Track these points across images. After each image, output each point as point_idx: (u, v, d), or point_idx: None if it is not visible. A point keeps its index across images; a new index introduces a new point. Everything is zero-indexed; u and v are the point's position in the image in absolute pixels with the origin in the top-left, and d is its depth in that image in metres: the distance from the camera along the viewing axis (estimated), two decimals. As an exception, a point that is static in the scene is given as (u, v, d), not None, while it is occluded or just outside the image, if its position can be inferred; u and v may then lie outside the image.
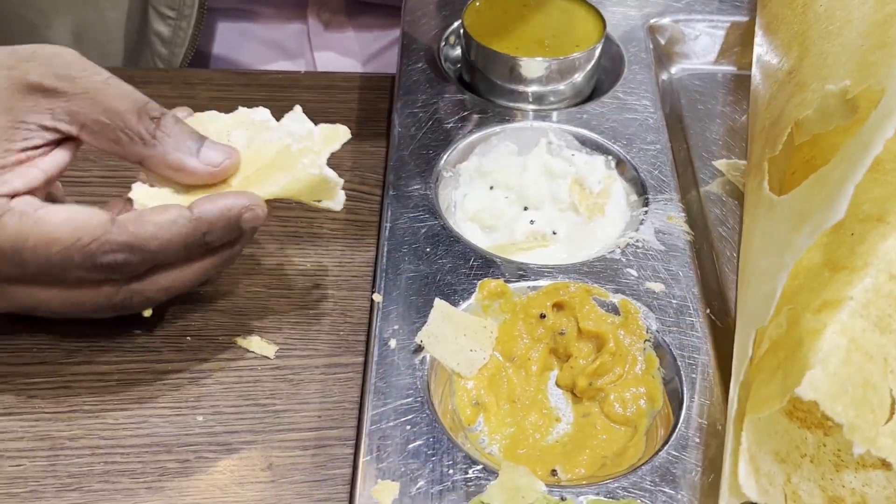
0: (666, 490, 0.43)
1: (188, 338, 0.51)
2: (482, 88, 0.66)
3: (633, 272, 0.53)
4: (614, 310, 0.51)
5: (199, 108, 0.50)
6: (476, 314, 0.51)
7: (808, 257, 0.43)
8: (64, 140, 0.45)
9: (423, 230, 0.55)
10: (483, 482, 0.43)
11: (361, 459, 0.44)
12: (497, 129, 0.62)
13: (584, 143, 0.62)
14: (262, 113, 0.49)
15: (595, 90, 0.68)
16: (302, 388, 0.49)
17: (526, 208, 0.59)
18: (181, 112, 0.48)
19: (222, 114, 0.49)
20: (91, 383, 0.48)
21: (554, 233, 0.57)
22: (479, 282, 0.52)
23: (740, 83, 0.71)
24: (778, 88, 0.55)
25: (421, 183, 0.58)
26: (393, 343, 0.49)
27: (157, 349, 0.50)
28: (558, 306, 0.51)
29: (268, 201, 0.46)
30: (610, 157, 0.61)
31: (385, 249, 0.54)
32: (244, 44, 0.83)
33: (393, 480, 0.43)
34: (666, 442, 0.45)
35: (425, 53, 0.69)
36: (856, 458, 0.41)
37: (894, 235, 0.41)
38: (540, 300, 0.51)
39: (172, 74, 0.73)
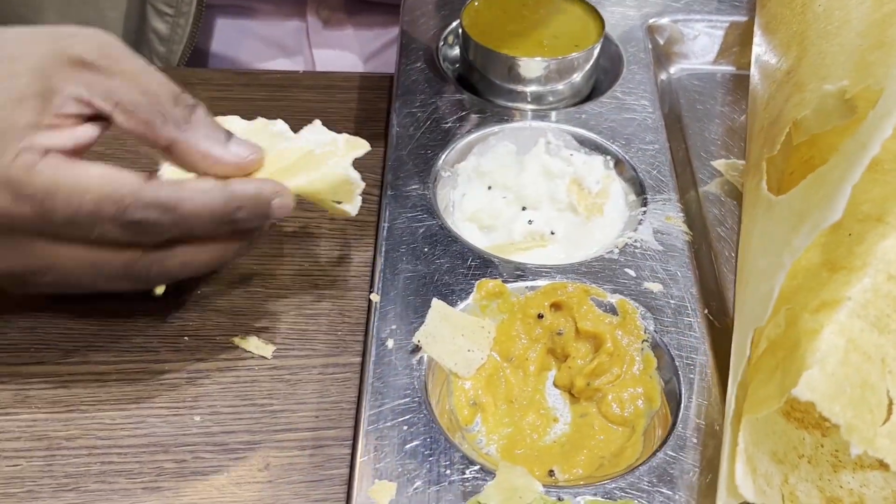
0: (663, 490, 0.43)
1: (186, 338, 0.51)
2: (481, 88, 0.66)
3: (632, 272, 0.53)
4: (612, 310, 0.51)
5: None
6: (474, 314, 0.51)
7: (806, 257, 0.43)
8: (95, 117, 0.45)
9: (421, 230, 0.55)
10: (480, 482, 0.43)
11: (358, 459, 0.44)
12: (495, 128, 0.62)
13: (583, 143, 0.62)
14: (281, 125, 0.49)
15: (594, 90, 0.68)
16: (299, 388, 0.49)
17: (524, 208, 0.59)
18: None
19: (243, 120, 0.49)
20: (88, 383, 0.48)
21: (552, 233, 0.57)
22: (477, 282, 0.52)
23: (739, 83, 0.71)
24: (776, 88, 0.55)
25: (419, 183, 0.58)
26: (390, 343, 0.49)
27: (155, 349, 0.50)
28: (556, 306, 0.51)
29: None
30: (608, 157, 0.61)
31: (383, 249, 0.54)
32: (243, 41, 0.83)
33: (390, 481, 0.43)
34: (664, 442, 0.45)
35: (424, 53, 0.69)
36: (853, 458, 0.41)
37: (893, 235, 0.41)
38: (538, 300, 0.51)
39: (171, 74, 0.72)
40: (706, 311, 0.52)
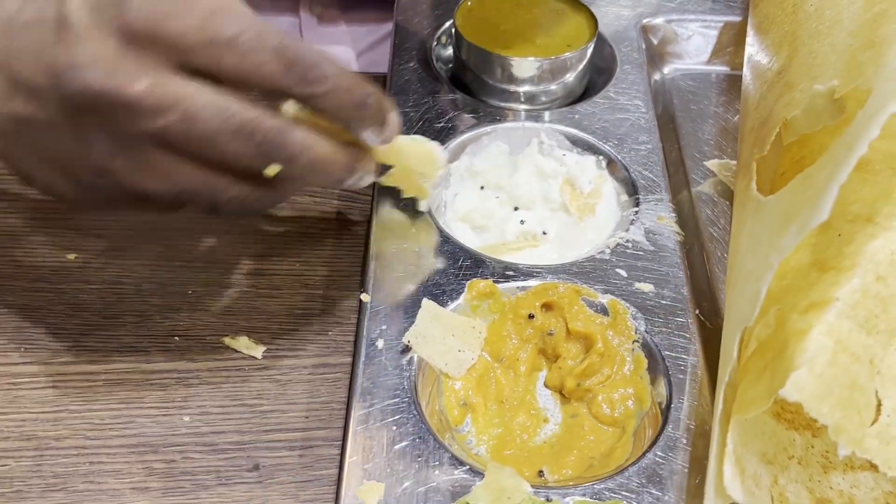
0: (652, 491, 0.43)
1: (176, 338, 0.51)
2: (474, 88, 0.66)
3: (623, 273, 0.53)
4: (603, 310, 0.51)
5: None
6: (465, 314, 0.51)
7: (795, 257, 0.43)
8: None
9: (413, 230, 0.55)
10: (469, 483, 0.43)
11: (347, 460, 0.43)
12: (488, 128, 0.62)
13: (576, 143, 0.62)
14: None
15: (587, 90, 0.68)
16: (289, 388, 0.49)
17: (517, 208, 0.58)
18: None
19: None
20: (78, 383, 0.48)
21: (544, 233, 0.57)
22: (468, 282, 0.51)
23: (733, 83, 0.71)
24: (767, 88, 0.55)
25: (411, 183, 0.58)
26: (380, 343, 0.49)
27: (145, 349, 0.50)
28: (547, 307, 0.51)
29: None
30: (601, 157, 0.61)
31: (374, 249, 0.54)
32: None
33: (378, 481, 0.43)
34: (653, 443, 0.45)
35: (417, 53, 0.68)
36: (843, 459, 0.41)
37: (882, 236, 0.41)
38: (529, 300, 0.51)
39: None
40: (697, 312, 0.52)
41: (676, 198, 0.60)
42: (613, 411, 0.48)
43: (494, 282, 0.51)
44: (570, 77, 0.65)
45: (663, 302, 0.52)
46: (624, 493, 0.43)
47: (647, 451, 0.45)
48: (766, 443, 0.42)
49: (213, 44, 0.38)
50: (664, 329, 0.50)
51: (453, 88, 0.66)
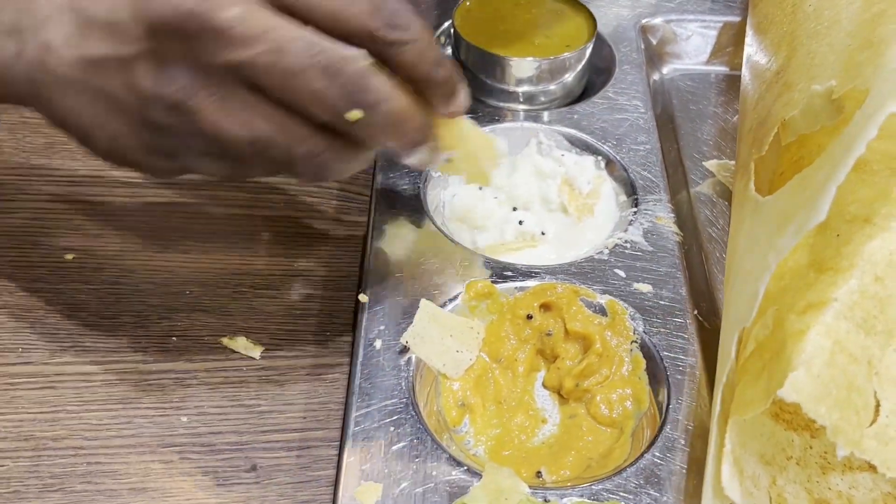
0: (650, 492, 0.43)
1: (173, 338, 0.51)
2: (472, 88, 0.64)
3: (622, 273, 0.53)
4: (602, 311, 0.51)
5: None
6: (463, 315, 0.51)
7: (793, 258, 0.42)
8: None
9: (411, 230, 0.55)
10: (467, 484, 0.43)
11: (345, 461, 0.43)
12: (487, 129, 0.62)
13: (575, 143, 0.62)
14: None
15: (586, 90, 0.68)
16: (287, 388, 0.49)
17: (515, 209, 0.58)
18: None
19: None
20: (75, 384, 0.48)
21: (543, 233, 0.57)
22: (467, 282, 0.51)
23: (732, 84, 0.71)
24: (766, 88, 0.54)
25: (409, 183, 0.58)
26: (378, 344, 0.48)
27: (143, 349, 0.50)
28: (545, 307, 0.51)
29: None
30: (600, 158, 0.61)
31: (372, 250, 0.54)
32: None
33: (376, 482, 0.42)
34: (651, 444, 0.45)
35: (416, 53, 0.68)
36: (842, 460, 0.41)
37: (880, 236, 0.41)
38: (527, 301, 0.51)
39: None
40: (696, 313, 0.52)
41: (675, 198, 0.60)
42: (612, 412, 0.48)
43: (493, 282, 0.51)
44: (568, 77, 0.65)
45: (662, 302, 0.52)
46: (622, 493, 0.43)
47: (645, 452, 0.45)
48: (764, 443, 0.42)
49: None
50: (662, 329, 0.50)
51: (452, 88, 0.65)
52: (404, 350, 0.48)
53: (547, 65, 0.64)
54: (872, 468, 0.38)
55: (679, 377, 0.48)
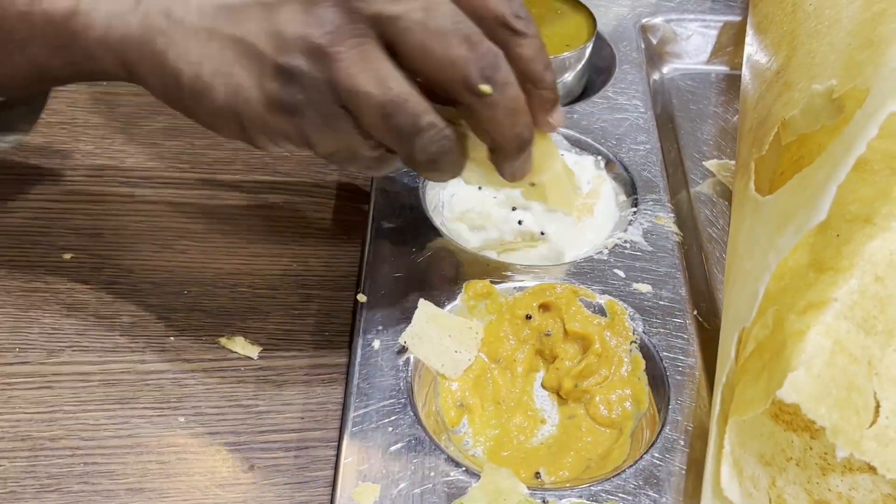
0: (650, 493, 0.43)
1: (171, 338, 0.51)
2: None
3: (621, 273, 0.53)
4: (601, 311, 0.51)
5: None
6: (462, 315, 0.51)
7: (793, 258, 0.42)
8: None
9: (410, 230, 0.55)
10: (465, 484, 0.42)
11: (342, 461, 0.43)
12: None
13: (574, 143, 0.62)
14: None
15: (586, 90, 0.68)
16: (285, 389, 0.49)
17: (514, 208, 0.58)
18: None
19: None
20: (73, 384, 0.48)
21: (542, 233, 0.57)
22: (466, 282, 0.51)
23: (733, 83, 0.70)
24: (766, 88, 0.54)
25: (409, 182, 0.58)
26: (377, 344, 0.48)
27: (140, 349, 0.50)
28: (544, 307, 0.51)
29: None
30: (599, 158, 0.61)
31: (371, 249, 0.53)
32: None
33: (374, 482, 0.42)
34: (651, 445, 0.45)
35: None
36: (841, 461, 0.41)
37: (881, 236, 0.41)
38: (526, 301, 0.51)
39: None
40: (696, 313, 0.52)
41: (675, 198, 0.60)
42: (611, 412, 0.48)
43: (492, 282, 0.51)
44: (568, 77, 0.65)
45: (661, 303, 0.51)
46: (621, 494, 0.43)
47: (644, 453, 0.44)
48: (764, 444, 0.42)
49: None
50: (662, 330, 0.50)
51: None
52: (403, 350, 0.48)
53: (546, 64, 0.63)
54: (872, 469, 0.38)
55: (678, 378, 0.48)
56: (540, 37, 0.41)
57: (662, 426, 0.46)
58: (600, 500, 0.42)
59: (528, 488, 0.42)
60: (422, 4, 0.38)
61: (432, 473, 0.43)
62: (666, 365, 0.48)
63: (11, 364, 0.49)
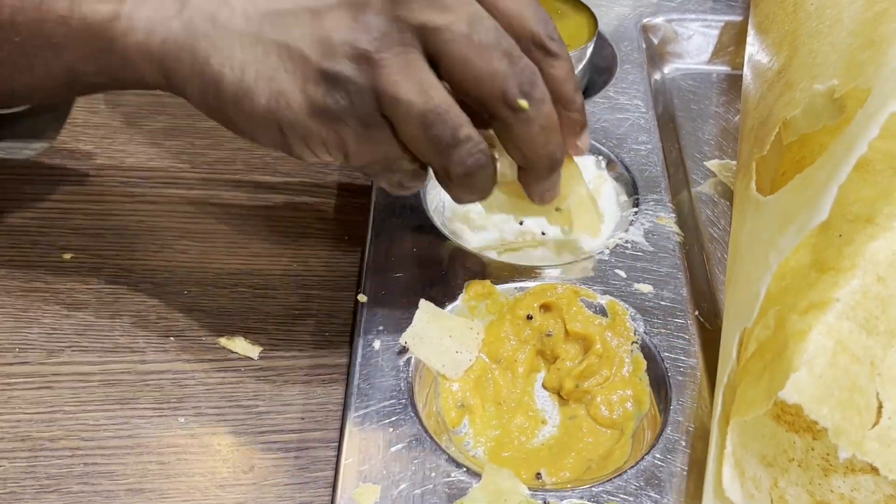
0: (651, 494, 0.42)
1: (171, 338, 0.51)
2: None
3: (622, 273, 0.53)
4: (602, 311, 0.51)
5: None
6: (462, 315, 0.50)
7: (795, 258, 0.42)
8: None
9: (411, 230, 0.54)
10: (466, 485, 0.42)
11: (343, 462, 0.43)
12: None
13: (575, 143, 0.62)
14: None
15: (587, 89, 0.68)
16: (286, 389, 0.49)
17: (515, 209, 0.58)
18: None
19: None
20: (73, 384, 0.48)
21: (543, 233, 0.57)
22: (466, 283, 0.51)
23: (734, 83, 0.70)
24: (767, 88, 0.54)
25: (409, 183, 0.57)
26: (377, 344, 0.48)
27: (140, 349, 0.50)
28: (545, 307, 0.51)
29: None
30: (600, 157, 0.61)
31: (371, 250, 0.53)
32: None
33: (374, 483, 0.42)
34: (652, 445, 0.45)
35: (416, 53, 0.68)
36: (843, 462, 0.41)
37: (883, 236, 0.41)
38: (527, 301, 0.51)
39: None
40: (697, 313, 0.52)
41: (676, 198, 0.60)
42: (612, 413, 0.48)
43: (492, 282, 0.51)
44: (569, 77, 0.65)
45: (662, 303, 0.51)
46: (622, 495, 0.42)
47: (645, 454, 0.44)
48: (765, 445, 0.41)
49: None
50: (663, 330, 0.50)
51: (452, 88, 0.65)
52: (403, 351, 0.48)
53: (547, 64, 0.63)
54: (874, 470, 0.38)
55: (680, 378, 0.48)
56: (570, 59, 0.43)
57: (664, 427, 0.46)
58: (601, 500, 0.42)
59: (529, 489, 0.42)
60: (466, 17, 0.39)
61: (433, 474, 0.43)
62: (667, 365, 0.48)
63: (11, 364, 0.49)
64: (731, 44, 0.73)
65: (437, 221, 0.56)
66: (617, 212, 0.59)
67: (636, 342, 0.49)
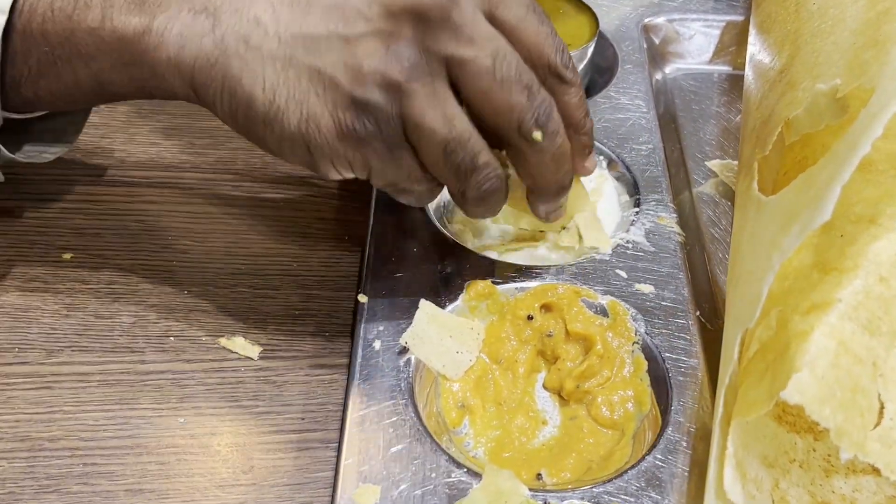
0: (652, 495, 0.42)
1: (171, 338, 0.50)
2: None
3: (623, 273, 0.53)
4: (603, 311, 0.51)
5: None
6: (463, 315, 0.50)
7: (797, 258, 0.42)
8: None
9: (411, 230, 0.54)
10: (466, 486, 0.42)
11: (343, 462, 0.43)
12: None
13: (576, 142, 0.61)
14: None
15: (588, 89, 0.68)
16: (286, 389, 0.49)
17: (516, 209, 0.58)
18: None
19: None
20: (72, 384, 0.48)
21: (542, 231, 0.57)
22: (467, 282, 0.51)
23: (735, 83, 0.70)
24: (769, 88, 0.54)
25: (409, 182, 0.57)
26: (377, 344, 0.48)
27: (140, 350, 0.50)
28: (546, 308, 0.51)
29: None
30: (601, 157, 0.61)
31: (372, 249, 0.53)
32: None
33: (374, 484, 0.42)
34: (653, 446, 0.45)
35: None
36: (845, 463, 0.41)
37: (886, 237, 0.41)
38: (528, 301, 0.51)
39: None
40: (698, 314, 0.51)
41: (677, 198, 0.59)
42: (613, 414, 0.47)
43: (493, 282, 0.51)
44: (570, 76, 0.65)
45: (664, 303, 0.51)
46: (623, 496, 0.42)
47: (646, 455, 0.44)
48: (767, 446, 0.41)
49: (518, 4, 0.42)
50: (664, 331, 0.50)
51: (453, 88, 0.65)
52: (403, 351, 0.48)
53: (548, 64, 0.63)
54: (876, 471, 0.38)
55: (681, 379, 0.47)
56: (582, 87, 0.45)
57: (665, 428, 0.45)
58: (602, 501, 0.42)
59: (530, 490, 0.42)
60: (491, 51, 0.41)
61: (433, 475, 0.43)
62: (668, 366, 0.48)
63: (10, 364, 0.48)
64: (733, 43, 0.73)
65: (438, 221, 0.55)
66: (618, 212, 0.58)
67: (637, 343, 0.49)
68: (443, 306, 0.50)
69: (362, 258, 0.54)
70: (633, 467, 0.44)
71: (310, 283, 0.54)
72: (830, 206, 0.37)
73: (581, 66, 0.65)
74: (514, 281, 0.52)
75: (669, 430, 0.45)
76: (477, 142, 0.42)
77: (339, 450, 0.44)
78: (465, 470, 0.43)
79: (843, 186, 0.37)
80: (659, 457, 0.44)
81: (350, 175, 0.43)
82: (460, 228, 0.57)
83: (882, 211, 0.41)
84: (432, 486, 0.42)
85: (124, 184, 0.59)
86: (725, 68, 0.73)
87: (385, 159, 0.42)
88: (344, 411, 0.46)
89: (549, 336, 0.50)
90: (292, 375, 0.49)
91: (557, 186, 0.47)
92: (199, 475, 0.45)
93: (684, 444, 0.45)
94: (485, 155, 0.43)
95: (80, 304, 0.52)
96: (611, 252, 0.54)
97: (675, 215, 0.57)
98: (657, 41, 0.73)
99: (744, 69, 0.64)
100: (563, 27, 0.66)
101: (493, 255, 0.54)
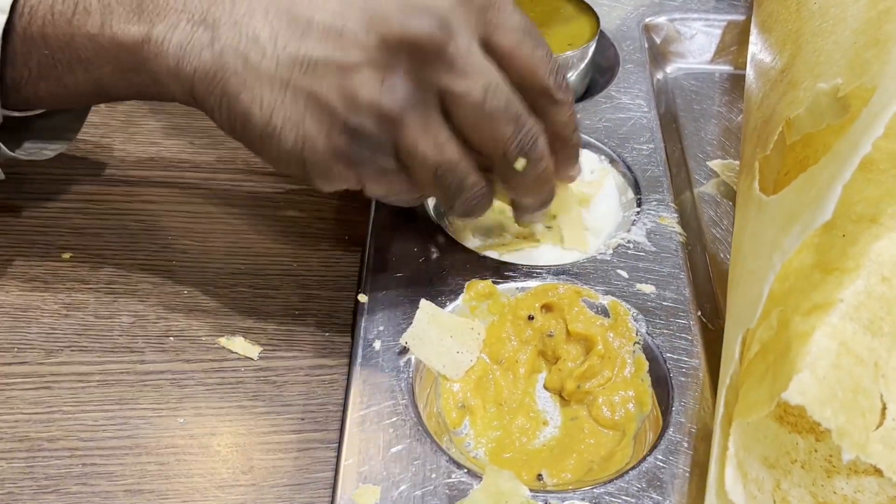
0: (653, 496, 0.42)
1: (171, 338, 0.50)
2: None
3: (624, 273, 0.52)
4: (604, 312, 0.50)
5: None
6: (463, 315, 0.50)
7: (798, 258, 0.42)
8: None
9: (411, 230, 0.54)
10: (467, 486, 0.42)
11: (343, 463, 0.43)
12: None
13: (577, 142, 0.61)
14: None
15: (589, 89, 0.67)
16: (285, 389, 0.49)
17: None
18: None
19: None
20: (71, 384, 0.48)
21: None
22: (467, 282, 0.51)
23: (736, 83, 0.70)
24: (770, 87, 0.54)
25: (410, 182, 0.57)
26: (378, 345, 0.48)
27: (140, 349, 0.50)
28: (547, 308, 0.51)
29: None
30: (602, 157, 0.61)
31: (372, 249, 0.53)
32: None
33: (374, 484, 0.42)
34: (654, 447, 0.44)
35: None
36: (847, 463, 0.41)
37: (887, 237, 0.41)
38: (528, 301, 0.50)
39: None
40: (699, 314, 0.51)
41: (679, 198, 0.59)
42: (614, 414, 0.47)
43: (494, 282, 0.51)
44: (571, 76, 0.65)
45: (665, 303, 0.51)
46: (624, 497, 0.42)
47: (647, 455, 0.44)
48: (768, 446, 0.41)
49: (514, 29, 0.43)
50: (665, 331, 0.50)
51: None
52: (404, 351, 0.48)
53: (549, 63, 0.63)
54: (878, 472, 0.38)
55: (682, 379, 0.47)
56: (573, 103, 0.47)
57: (665, 428, 0.45)
58: (603, 502, 0.42)
59: (530, 490, 0.42)
60: (483, 84, 0.42)
61: (433, 475, 0.42)
62: (669, 366, 0.48)
63: (10, 364, 0.48)
64: (734, 43, 0.73)
65: (438, 221, 0.55)
66: (619, 212, 0.58)
67: (638, 343, 0.49)
68: (443, 306, 0.50)
69: (362, 258, 0.54)
70: (634, 468, 0.43)
71: (310, 282, 0.54)
72: (831, 206, 0.37)
73: (582, 66, 0.65)
74: (515, 281, 0.52)
75: (670, 430, 0.45)
76: (465, 166, 0.44)
77: (339, 450, 0.44)
78: (466, 470, 0.43)
79: (844, 186, 0.37)
80: (660, 457, 0.44)
81: (344, 187, 0.44)
82: (461, 227, 0.57)
83: (883, 210, 0.41)
84: (432, 487, 0.42)
85: (124, 183, 0.59)
86: (727, 68, 0.73)
87: (377, 178, 0.44)
88: (344, 411, 0.46)
89: (550, 336, 0.50)
90: (292, 375, 0.49)
91: (539, 204, 0.49)
92: (199, 475, 0.45)
93: (685, 445, 0.44)
94: (472, 177, 0.44)
95: (79, 303, 0.52)
96: (611, 252, 0.54)
97: (676, 215, 0.57)
98: (658, 41, 0.73)
99: (745, 69, 0.64)
100: (564, 27, 0.66)
101: (493, 254, 0.54)
